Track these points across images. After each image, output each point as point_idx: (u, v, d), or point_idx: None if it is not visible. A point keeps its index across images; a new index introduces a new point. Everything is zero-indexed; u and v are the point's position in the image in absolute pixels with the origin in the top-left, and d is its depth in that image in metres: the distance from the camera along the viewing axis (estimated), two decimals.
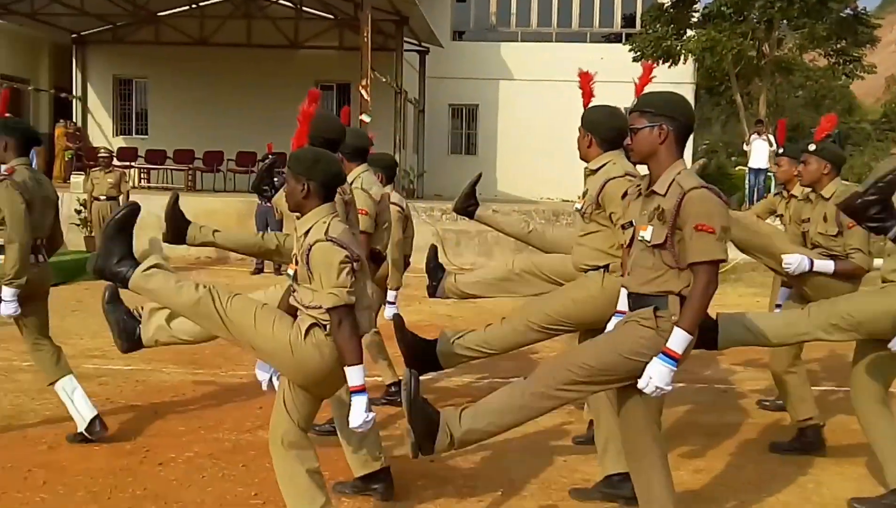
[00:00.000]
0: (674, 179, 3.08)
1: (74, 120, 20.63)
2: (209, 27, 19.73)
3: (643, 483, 3.28)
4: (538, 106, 21.35)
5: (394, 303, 5.51)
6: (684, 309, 3.01)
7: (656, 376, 3.00)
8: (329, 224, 3.14)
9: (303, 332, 3.09)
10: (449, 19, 22.47)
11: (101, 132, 21.23)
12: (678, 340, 2.99)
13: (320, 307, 3.06)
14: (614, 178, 3.80)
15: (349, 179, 4.62)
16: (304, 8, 18.00)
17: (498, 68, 22.02)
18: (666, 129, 3.11)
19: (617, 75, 21.17)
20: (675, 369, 3.01)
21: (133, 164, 18.95)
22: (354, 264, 3.08)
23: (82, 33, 20.54)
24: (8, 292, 4.55)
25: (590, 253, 3.94)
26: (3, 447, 4.73)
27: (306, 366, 3.12)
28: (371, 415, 3.11)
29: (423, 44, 19.89)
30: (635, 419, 3.28)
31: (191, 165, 18.58)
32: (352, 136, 4.69)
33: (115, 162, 14.90)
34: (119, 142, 20.60)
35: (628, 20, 22.75)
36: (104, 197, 12.00)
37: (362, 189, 4.53)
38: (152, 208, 13.84)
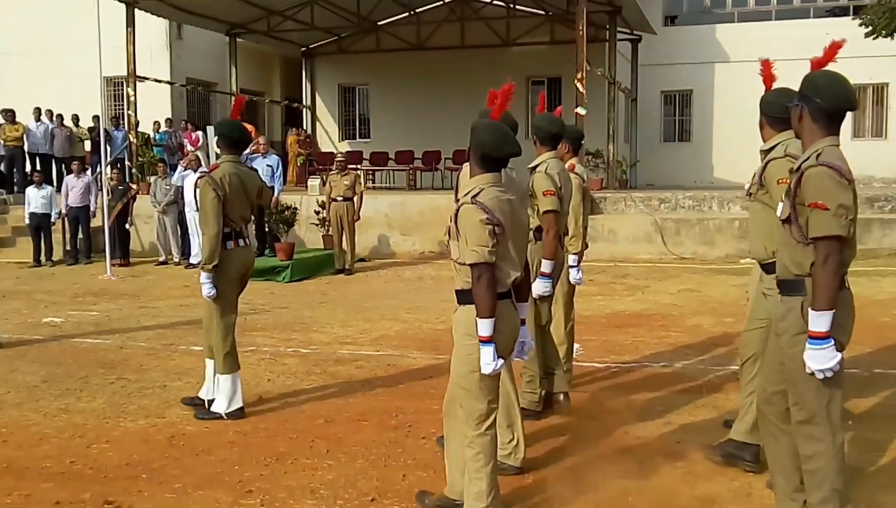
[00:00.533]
0: (808, 157, 3.17)
1: (304, 127, 22.19)
2: (425, 32, 20.56)
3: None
4: (757, 88, 20.36)
5: (575, 266, 5.67)
6: (813, 289, 3.10)
7: (812, 361, 3.10)
8: (482, 190, 3.48)
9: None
10: (661, 5, 22.06)
11: (329, 138, 22.70)
12: (815, 321, 3.08)
13: (465, 263, 3.42)
14: (775, 159, 3.88)
15: (535, 163, 5.07)
16: (517, 6, 18.32)
17: (713, 51, 21.37)
18: (800, 109, 3.25)
19: (844, 51, 19.89)
20: (826, 346, 3.07)
21: (358, 166, 20.09)
22: (496, 227, 3.39)
23: (311, 46, 22.04)
24: (202, 275, 5.25)
25: (759, 240, 3.98)
26: (286, 420, 5.33)
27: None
28: (500, 362, 3.45)
29: (634, 32, 19.68)
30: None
31: (411, 165, 19.46)
32: (546, 121, 5.14)
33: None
34: (344, 146, 21.92)
35: None
36: (341, 198, 12.87)
37: (546, 173, 4.95)
38: (380, 207, 14.84)
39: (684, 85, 21.94)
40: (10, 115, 17.03)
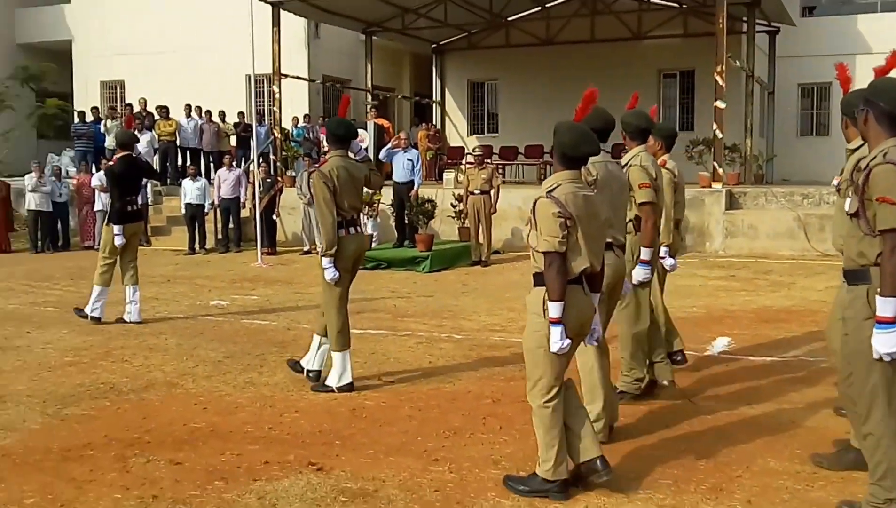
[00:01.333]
0: (875, 156, 3.36)
1: (434, 122, 22.64)
2: (554, 27, 20.64)
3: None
4: None
5: (664, 257, 5.84)
6: (882, 277, 3.29)
7: (880, 345, 3.31)
8: (559, 186, 3.88)
9: None
10: None
11: (457, 132, 23.08)
12: (882, 307, 3.29)
13: (538, 250, 3.84)
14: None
15: (627, 157, 5.26)
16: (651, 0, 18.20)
17: (854, 42, 20.58)
18: (865, 113, 3.49)
19: None
20: (893, 330, 3.27)
21: (488, 161, 20.37)
22: (567, 220, 3.79)
23: (441, 43, 22.47)
24: (324, 261, 5.72)
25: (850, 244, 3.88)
26: (454, 399, 5.64)
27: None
28: (567, 342, 3.81)
29: (772, 24, 19.21)
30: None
31: (541, 160, 19.59)
32: (634, 116, 5.37)
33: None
34: (472, 141, 22.24)
35: None
36: (478, 191, 13.17)
37: (640, 166, 5.16)
38: (513, 201, 15.05)
39: (823, 78, 21.17)
40: (164, 111, 18.13)
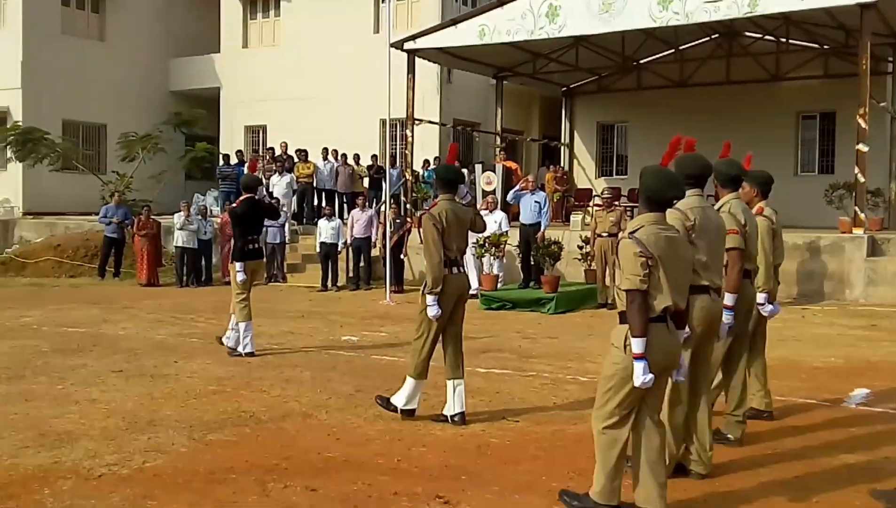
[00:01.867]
0: None
1: (562, 164, 22.71)
2: (688, 69, 20.42)
3: None
4: None
5: (763, 303, 5.88)
6: None
7: None
8: (642, 227, 4.10)
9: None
10: None
11: (585, 175, 23.05)
12: None
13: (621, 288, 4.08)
14: None
15: (719, 204, 5.36)
16: (790, 41, 17.75)
17: None
18: None
19: None
20: None
21: (616, 203, 20.23)
22: (649, 260, 3.98)
23: (571, 86, 22.60)
24: (429, 298, 5.96)
25: None
26: (580, 441, 5.62)
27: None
28: (650, 377, 3.96)
29: None
30: None
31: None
32: (725, 165, 5.59)
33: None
34: (601, 183, 22.12)
35: None
36: (606, 233, 13.14)
37: (730, 213, 5.30)
38: None
39: None
40: (303, 154, 18.99)
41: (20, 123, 21.29)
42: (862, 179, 13.87)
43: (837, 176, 17.68)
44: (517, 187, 14.37)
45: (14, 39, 22.65)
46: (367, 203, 16.83)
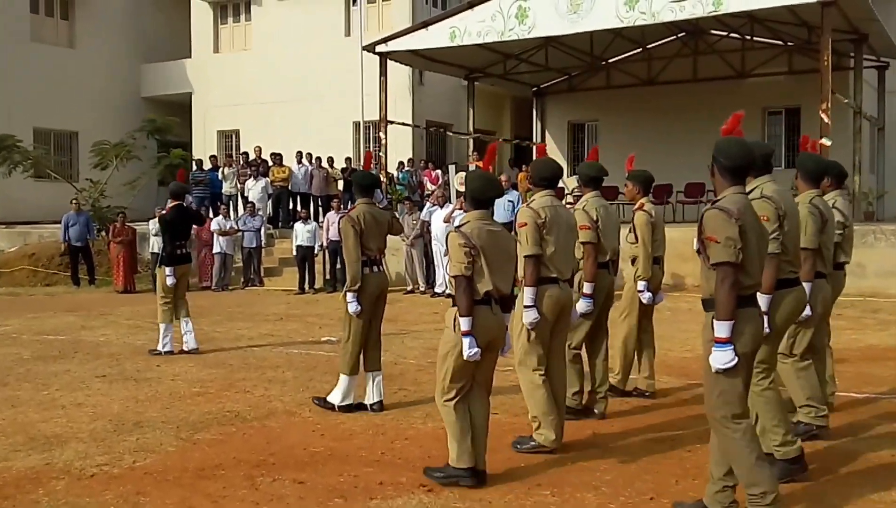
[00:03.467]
0: None
1: None
2: (656, 67, 20.76)
3: None
4: None
5: (642, 291, 6.46)
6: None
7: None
8: (467, 222, 4.67)
9: None
10: None
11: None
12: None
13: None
14: None
15: (580, 203, 5.98)
16: (754, 38, 18.12)
17: None
18: (711, 166, 4.02)
19: None
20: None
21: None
22: (471, 249, 4.55)
23: (542, 86, 22.87)
24: (349, 295, 6.42)
25: None
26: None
27: None
28: (475, 350, 4.55)
29: (881, 58, 18.82)
30: None
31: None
32: (587, 167, 6.19)
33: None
34: (573, 182, 22.39)
35: None
36: None
37: (584, 210, 5.88)
38: None
39: None
40: (278, 158, 19.06)
41: None
42: None
43: None
44: None
45: None
46: (342, 205, 16.94)
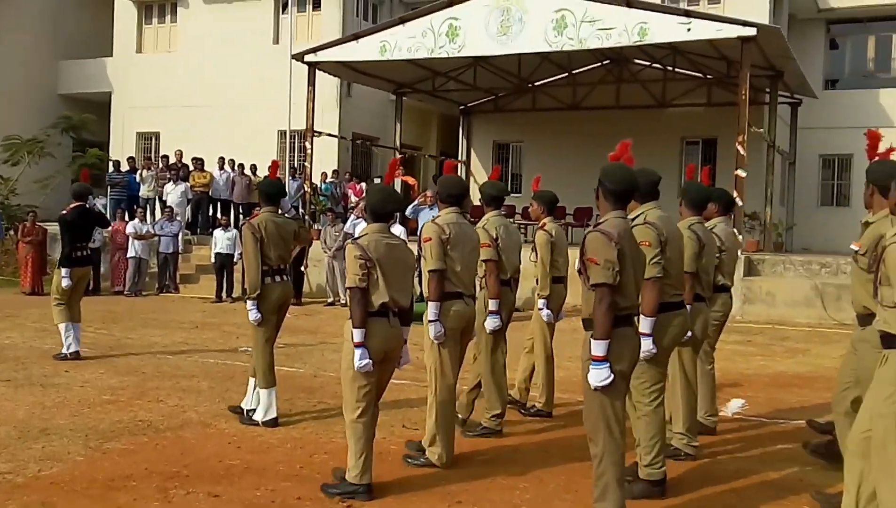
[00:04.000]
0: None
1: None
2: (580, 93, 21.14)
3: None
4: None
5: (542, 308, 6.67)
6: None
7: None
8: (365, 235, 4.79)
9: None
10: (822, 69, 21.87)
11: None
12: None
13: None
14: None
15: (482, 222, 6.08)
16: (676, 69, 18.65)
17: (876, 116, 20.85)
18: (595, 190, 4.23)
19: None
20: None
21: (512, 220, 20.71)
22: (366, 261, 4.63)
23: (468, 104, 23.04)
24: (249, 303, 6.38)
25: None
26: (476, 445, 5.85)
27: None
28: (366, 361, 4.63)
29: (795, 95, 19.61)
30: None
31: (563, 221, 19.91)
32: (489, 186, 6.42)
33: None
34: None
35: None
36: None
37: (484, 228, 5.97)
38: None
39: (844, 149, 21.48)
40: (199, 163, 18.69)
41: None
42: (740, 203, 14.68)
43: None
44: (416, 202, 14.59)
45: None
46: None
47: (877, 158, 5.00)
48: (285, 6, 21.42)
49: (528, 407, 6.92)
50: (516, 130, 22.95)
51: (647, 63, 19.29)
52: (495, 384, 6.13)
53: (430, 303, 5.29)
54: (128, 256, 16.40)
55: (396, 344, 4.83)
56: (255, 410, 6.42)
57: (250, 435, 6.06)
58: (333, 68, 18.37)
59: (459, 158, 23.51)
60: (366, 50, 17.06)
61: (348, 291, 4.71)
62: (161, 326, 11.97)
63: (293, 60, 17.93)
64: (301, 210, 18.02)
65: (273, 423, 6.30)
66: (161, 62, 23.69)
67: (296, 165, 19.72)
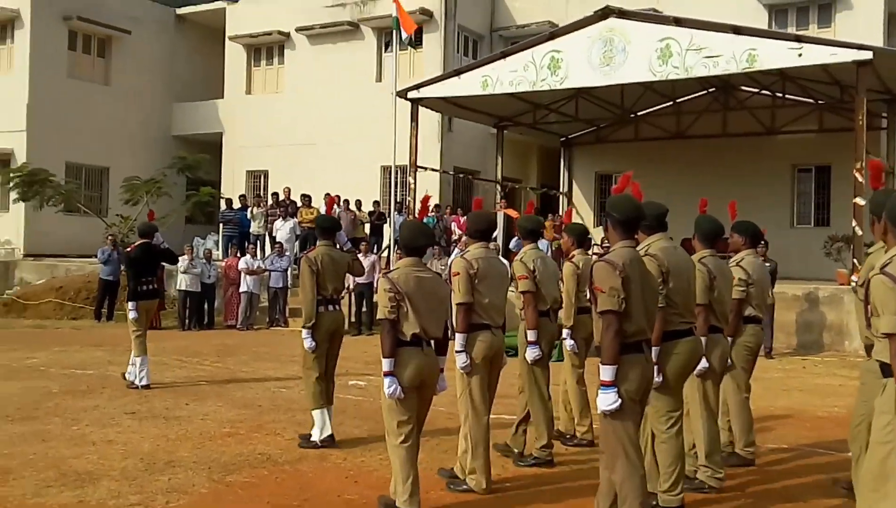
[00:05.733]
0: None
1: (560, 214, 22.94)
2: (685, 121, 20.79)
3: None
4: None
5: (566, 338, 6.80)
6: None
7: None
8: (397, 268, 5.00)
9: None
10: None
11: (583, 223, 23.30)
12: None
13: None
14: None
15: (519, 254, 6.32)
16: (786, 95, 18.14)
17: None
18: (605, 222, 4.36)
19: None
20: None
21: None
22: (396, 295, 4.80)
23: (570, 136, 22.95)
24: (304, 332, 6.74)
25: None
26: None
27: None
28: (395, 388, 4.80)
29: None
30: None
31: None
32: (525, 221, 6.65)
33: None
34: (599, 232, 22.37)
35: None
36: None
37: (521, 261, 6.19)
38: None
39: None
40: (307, 199, 19.18)
41: (28, 164, 21.42)
42: (860, 232, 14.11)
43: (834, 228, 17.97)
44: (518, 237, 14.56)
45: (21, 82, 22.94)
46: (369, 249, 16.97)
47: (881, 187, 4.99)
48: (388, 45, 21.87)
49: (568, 437, 7.00)
50: (619, 161, 22.65)
51: (755, 90, 18.83)
52: (542, 415, 6.26)
53: (457, 334, 5.55)
54: (240, 290, 16.89)
55: (431, 372, 4.98)
56: (330, 437, 6.76)
57: (367, 469, 6.11)
58: (435, 104, 18.63)
59: (561, 189, 23.43)
60: (467, 85, 17.25)
61: (382, 323, 4.89)
62: (273, 359, 12.25)
63: (397, 97, 18.27)
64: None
65: (330, 441, 6.68)
66: (269, 102, 24.55)
67: (400, 201, 19.98)
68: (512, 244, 14.50)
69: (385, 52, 22.53)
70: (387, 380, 4.83)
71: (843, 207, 16.04)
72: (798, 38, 14.63)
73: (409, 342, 4.87)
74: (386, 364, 4.84)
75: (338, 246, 7.14)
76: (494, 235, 17.91)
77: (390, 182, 20.84)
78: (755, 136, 19.76)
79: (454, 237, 18.30)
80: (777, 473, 6.24)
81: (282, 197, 19.97)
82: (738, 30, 14.58)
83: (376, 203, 20.04)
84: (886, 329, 3.51)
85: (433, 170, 19.93)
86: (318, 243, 7.03)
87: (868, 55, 13.73)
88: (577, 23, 16.14)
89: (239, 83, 25.32)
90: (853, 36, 15.94)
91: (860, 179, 14.00)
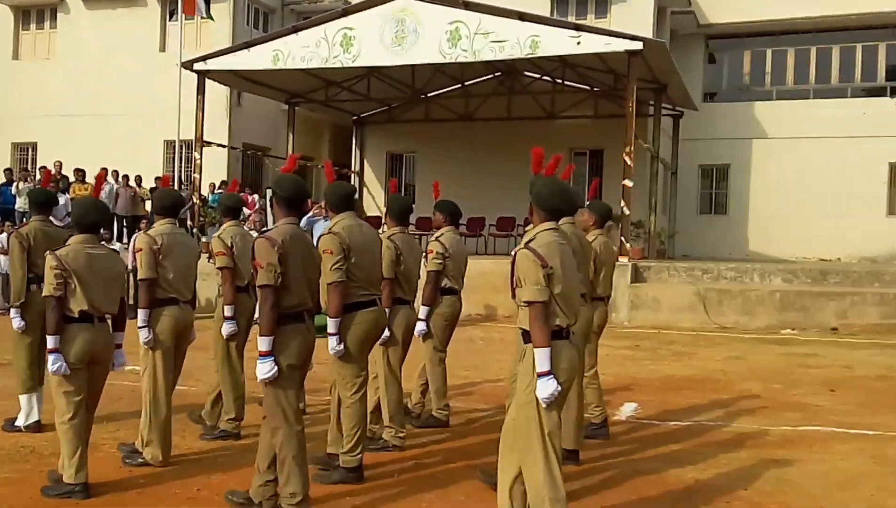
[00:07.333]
0: None
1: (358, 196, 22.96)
2: (473, 104, 21.40)
3: None
4: (794, 164, 21.11)
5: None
6: None
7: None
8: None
9: None
10: (701, 82, 22.81)
11: (375, 202, 23.45)
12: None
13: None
14: None
15: (218, 232, 6.46)
16: (565, 82, 19.10)
17: (751, 128, 21.99)
18: (270, 201, 4.61)
19: (880, 130, 20.48)
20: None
21: (405, 230, 20.74)
22: (62, 271, 4.82)
23: (362, 115, 22.99)
24: (12, 311, 6.40)
25: None
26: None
27: None
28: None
29: (677, 108, 20.39)
30: None
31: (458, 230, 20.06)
32: (227, 198, 6.86)
33: None
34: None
35: (893, 73, 21.91)
36: None
37: (220, 237, 6.31)
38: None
39: (722, 160, 22.52)
40: (80, 174, 17.98)
41: None
42: (627, 212, 15.17)
43: None
44: (310, 214, 14.43)
45: None
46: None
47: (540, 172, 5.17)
48: (172, 13, 20.90)
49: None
50: (409, 141, 23.04)
51: (538, 76, 19.70)
52: (231, 392, 6.48)
53: (139, 310, 5.62)
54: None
55: (104, 348, 5.02)
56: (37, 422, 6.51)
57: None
58: (224, 77, 18.03)
59: (353, 168, 23.45)
60: (258, 59, 16.82)
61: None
62: None
63: (182, 69, 17.51)
64: (190, 222, 17.56)
65: (36, 427, 6.46)
66: (39, 69, 22.72)
67: (181, 176, 19.21)
68: (303, 223, 14.31)
69: (170, 20, 21.51)
70: (51, 357, 4.84)
71: (614, 188, 17.15)
72: (577, 27, 15.43)
73: (78, 319, 4.89)
74: (50, 342, 4.85)
75: (54, 221, 6.90)
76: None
77: (174, 157, 20.01)
78: (537, 120, 20.68)
79: (242, 216, 17.83)
80: (468, 431, 6.74)
81: (53, 171, 18.57)
82: (522, 16, 15.16)
83: (158, 179, 19.12)
84: (527, 297, 3.91)
85: (220, 146, 19.33)
86: (31, 218, 6.71)
87: (638, 45, 14.73)
88: (370, 1, 16.15)
89: (4, 48, 23.26)
90: (627, 27, 17.03)
91: (629, 162, 15.05)
